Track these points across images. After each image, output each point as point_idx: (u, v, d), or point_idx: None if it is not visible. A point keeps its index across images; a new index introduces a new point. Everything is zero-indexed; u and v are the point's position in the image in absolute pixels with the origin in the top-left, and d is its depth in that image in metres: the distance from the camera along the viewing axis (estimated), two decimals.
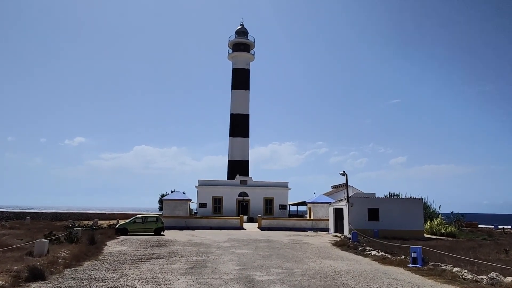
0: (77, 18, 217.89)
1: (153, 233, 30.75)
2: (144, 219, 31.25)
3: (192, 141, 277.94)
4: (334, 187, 52.83)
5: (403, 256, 17.60)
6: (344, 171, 33.84)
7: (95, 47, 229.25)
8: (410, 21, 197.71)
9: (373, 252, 19.45)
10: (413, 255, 14.88)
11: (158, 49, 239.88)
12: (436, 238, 32.60)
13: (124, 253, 18.47)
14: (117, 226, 31.04)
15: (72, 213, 52.47)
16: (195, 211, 52.08)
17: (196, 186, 51.15)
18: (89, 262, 15.63)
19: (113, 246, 21.57)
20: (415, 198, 34.48)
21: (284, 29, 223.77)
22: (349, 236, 26.96)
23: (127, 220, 32.03)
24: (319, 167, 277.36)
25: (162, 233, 31.27)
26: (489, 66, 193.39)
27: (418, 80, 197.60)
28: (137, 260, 16.24)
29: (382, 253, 18.87)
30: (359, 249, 21.23)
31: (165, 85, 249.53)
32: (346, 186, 33.87)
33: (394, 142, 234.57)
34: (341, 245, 23.98)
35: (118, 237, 27.45)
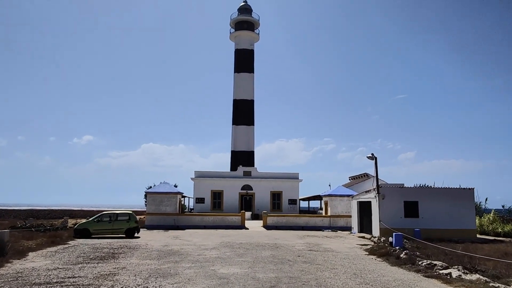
0: (83, 17, 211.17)
1: (124, 235, 22.52)
2: (113, 217, 22.91)
3: (199, 138, 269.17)
4: (352, 178, 44.03)
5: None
6: (372, 154, 25.25)
7: (100, 45, 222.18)
8: (416, 14, 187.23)
9: (453, 272, 10.83)
10: None
11: (159, 39, 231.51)
12: (494, 240, 23.89)
13: (17, 278, 10.11)
14: (75, 227, 22.76)
15: (52, 210, 44.73)
16: (191, 207, 43.79)
17: (192, 179, 42.65)
18: None
19: (30, 260, 13.22)
20: (464, 188, 25.68)
21: (288, 25, 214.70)
22: (390, 239, 18.30)
23: (90, 218, 23.71)
24: (327, 163, 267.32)
25: (136, 234, 23.00)
26: (499, 59, 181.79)
27: (424, 75, 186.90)
28: None
29: (478, 275, 10.22)
30: (420, 263, 12.62)
31: (170, 79, 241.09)
32: (375, 173, 25.16)
33: (402, 138, 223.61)
34: (384, 254, 15.39)
35: (68, 242, 19.16)
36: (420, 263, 12.68)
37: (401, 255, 14.38)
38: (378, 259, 14.67)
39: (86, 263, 12.64)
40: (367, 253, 16.51)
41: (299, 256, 14.89)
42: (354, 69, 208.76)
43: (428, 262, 12.22)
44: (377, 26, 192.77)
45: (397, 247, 16.21)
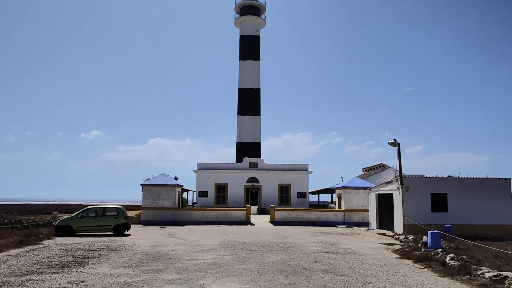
0: (86, 11, 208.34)
1: (112, 232, 19.47)
2: (99, 212, 19.86)
3: (206, 133, 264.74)
4: (366, 169, 40.60)
5: None
6: (395, 140, 21.91)
7: (106, 40, 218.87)
8: (423, 6, 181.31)
9: None
10: None
11: (162, 32, 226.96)
12: None
13: None
14: (56, 223, 19.75)
15: (48, 204, 42.01)
16: (195, 202, 40.76)
17: (194, 171, 39.53)
18: None
19: None
20: (499, 179, 22.26)
21: (293, 15, 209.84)
22: (424, 238, 14.90)
23: (73, 214, 20.65)
24: (334, 157, 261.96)
25: (126, 231, 19.91)
26: (506, 50, 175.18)
27: (432, 67, 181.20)
28: None
29: None
30: (481, 274, 9.32)
31: (176, 72, 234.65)
32: (398, 161, 21.79)
33: (410, 131, 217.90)
34: (422, 259, 12.07)
35: (42, 242, 16.13)
36: (480, 273, 9.37)
37: (447, 261, 11.09)
38: (417, 265, 11.38)
39: (38, 273, 9.53)
40: (398, 256, 13.24)
41: (315, 261, 11.65)
42: (361, 61, 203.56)
43: (495, 274, 8.90)
44: (384, 17, 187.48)
45: (439, 250, 12.88)
